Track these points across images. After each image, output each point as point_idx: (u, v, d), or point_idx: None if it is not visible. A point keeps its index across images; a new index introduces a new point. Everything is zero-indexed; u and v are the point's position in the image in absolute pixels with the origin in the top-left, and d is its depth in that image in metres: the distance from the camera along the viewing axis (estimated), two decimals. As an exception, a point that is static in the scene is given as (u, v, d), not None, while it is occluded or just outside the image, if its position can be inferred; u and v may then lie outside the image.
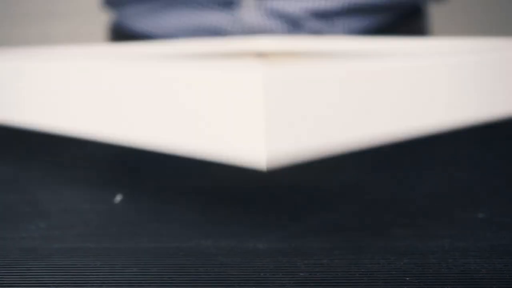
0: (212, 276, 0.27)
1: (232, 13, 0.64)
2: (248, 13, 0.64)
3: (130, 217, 0.34)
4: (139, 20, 0.69)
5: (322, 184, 0.37)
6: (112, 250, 0.30)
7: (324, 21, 0.65)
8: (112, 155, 0.36)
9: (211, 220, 0.31)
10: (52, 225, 0.33)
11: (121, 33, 0.72)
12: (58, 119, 0.31)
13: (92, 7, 1.02)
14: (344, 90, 0.24)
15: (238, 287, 0.26)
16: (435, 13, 0.83)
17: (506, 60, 0.31)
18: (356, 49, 0.29)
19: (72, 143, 0.37)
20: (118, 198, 0.29)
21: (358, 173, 0.40)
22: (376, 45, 0.33)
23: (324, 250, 0.30)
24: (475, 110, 0.30)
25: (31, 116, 0.33)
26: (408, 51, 0.28)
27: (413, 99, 0.27)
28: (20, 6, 1.24)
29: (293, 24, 0.65)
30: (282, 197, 0.28)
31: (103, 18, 0.93)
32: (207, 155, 0.23)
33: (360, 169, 0.40)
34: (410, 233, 0.31)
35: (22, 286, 0.27)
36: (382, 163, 0.42)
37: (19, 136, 0.41)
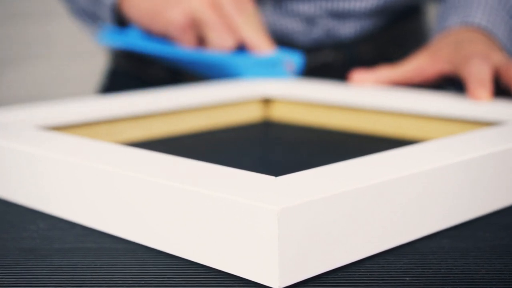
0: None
1: None
2: (264, 13, 0.65)
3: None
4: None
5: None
6: (112, 250, 0.30)
7: (338, 20, 0.67)
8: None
9: None
10: (52, 225, 0.33)
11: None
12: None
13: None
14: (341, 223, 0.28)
15: None
16: (433, 12, 0.83)
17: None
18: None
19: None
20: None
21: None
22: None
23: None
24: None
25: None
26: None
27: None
28: (20, 6, 1.24)
29: (308, 22, 0.66)
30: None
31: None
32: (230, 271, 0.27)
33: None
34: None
35: (22, 286, 0.27)
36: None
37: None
